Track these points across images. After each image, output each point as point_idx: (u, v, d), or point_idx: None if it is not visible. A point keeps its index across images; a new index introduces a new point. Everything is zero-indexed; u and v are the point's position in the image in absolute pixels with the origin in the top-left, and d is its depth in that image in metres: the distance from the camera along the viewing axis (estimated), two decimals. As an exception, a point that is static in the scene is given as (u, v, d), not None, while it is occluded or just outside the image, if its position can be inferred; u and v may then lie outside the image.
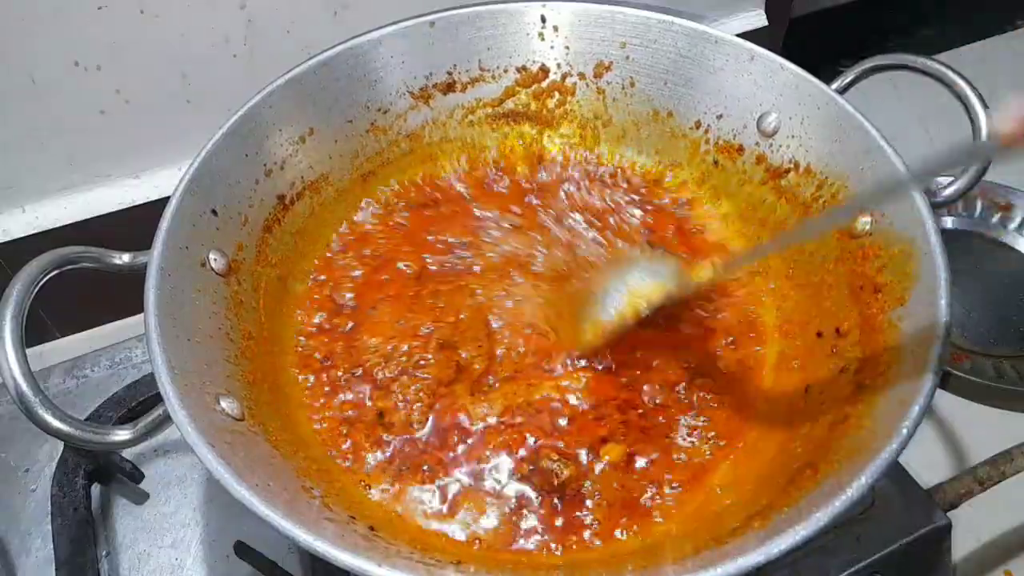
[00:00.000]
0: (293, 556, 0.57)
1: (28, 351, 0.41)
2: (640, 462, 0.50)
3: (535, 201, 0.64)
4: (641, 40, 0.62)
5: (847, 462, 0.41)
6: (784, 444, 0.49)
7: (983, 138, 0.30)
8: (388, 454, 0.50)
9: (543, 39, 0.63)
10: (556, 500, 0.48)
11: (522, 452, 0.50)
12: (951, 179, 0.54)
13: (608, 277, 0.54)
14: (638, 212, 0.64)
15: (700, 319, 0.56)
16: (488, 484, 0.49)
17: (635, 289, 0.50)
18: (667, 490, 0.49)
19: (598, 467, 0.49)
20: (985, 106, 0.52)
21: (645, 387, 0.53)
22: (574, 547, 0.47)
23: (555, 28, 0.63)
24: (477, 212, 0.63)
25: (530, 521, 0.47)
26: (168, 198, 0.49)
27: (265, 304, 0.54)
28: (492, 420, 0.51)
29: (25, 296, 0.42)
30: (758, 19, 0.89)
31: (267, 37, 0.68)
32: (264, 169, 0.56)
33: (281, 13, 0.67)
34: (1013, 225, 0.83)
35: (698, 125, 0.62)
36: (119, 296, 0.56)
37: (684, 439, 0.51)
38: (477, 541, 0.46)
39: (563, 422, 0.51)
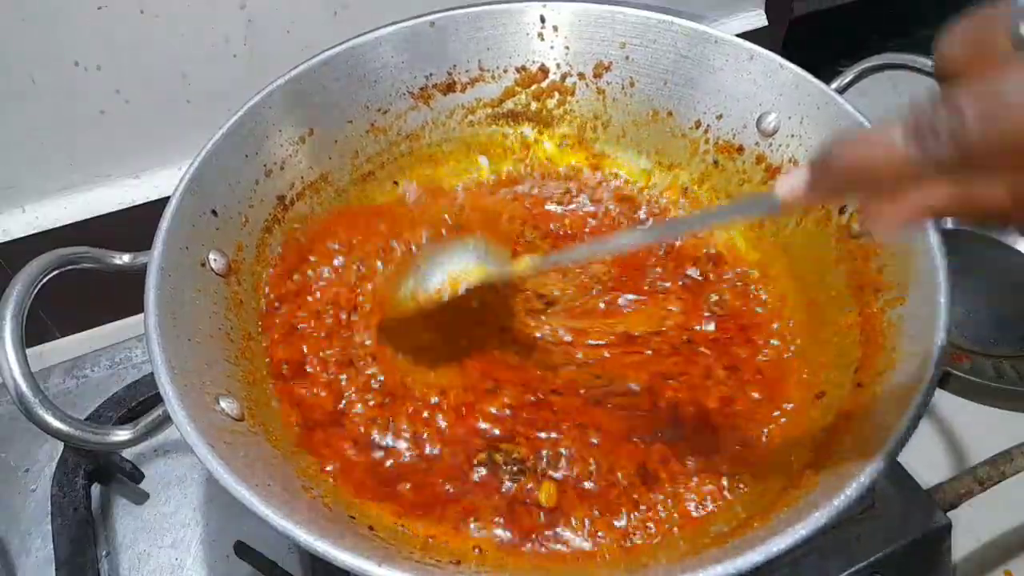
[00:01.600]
0: (293, 556, 0.57)
1: (28, 351, 0.41)
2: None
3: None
4: (641, 40, 0.62)
5: (847, 462, 0.41)
6: (784, 445, 0.49)
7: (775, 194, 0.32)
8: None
9: (543, 39, 0.63)
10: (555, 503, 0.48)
11: (519, 455, 0.50)
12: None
13: (435, 255, 0.54)
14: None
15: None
16: (486, 484, 0.49)
17: (457, 271, 0.51)
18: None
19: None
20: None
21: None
22: (575, 547, 0.47)
23: (555, 28, 0.63)
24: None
25: (531, 521, 0.47)
26: (168, 198, 0.49)
27: (265, 304, 0.54)
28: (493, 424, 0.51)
29: (25, 296, 0.42)
30: (758, 19, 0.90)
31: (267, 37, 0.68)
32: (264, 169, 0.56)
33: (281, 13, 0.67)
34: (1013, 225, 0.83)
35: (698, 125, 0.62)
36: (119, 296, 0.56)
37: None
38: (477, 548, 0.46)
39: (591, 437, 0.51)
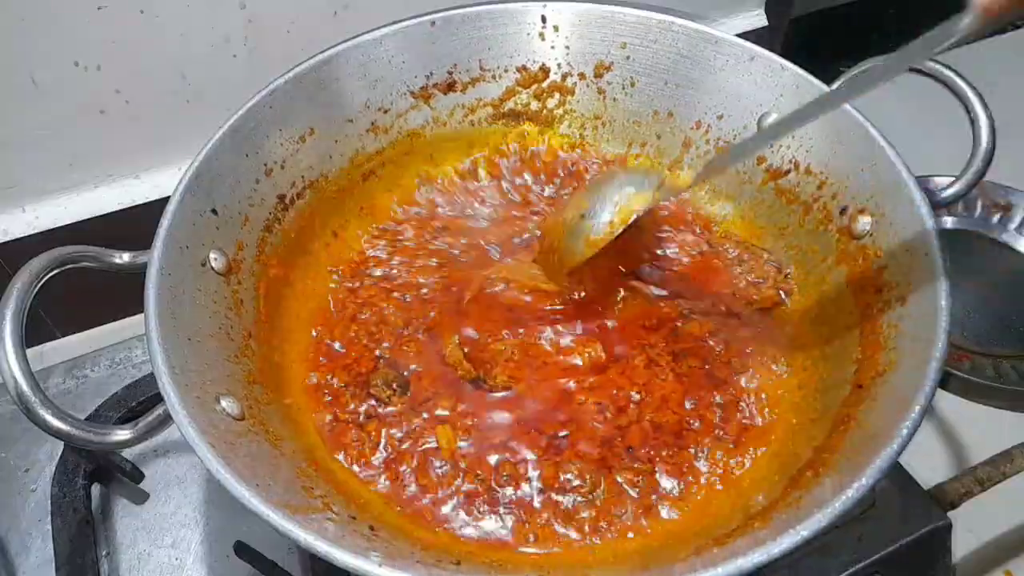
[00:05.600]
0: (293, 556, 0.57)
1: (28, 351, 0.41)
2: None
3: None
4: (641, 40, 0.62)
5: (847, 462, 0.41)
6: (785, 445, 0.49)
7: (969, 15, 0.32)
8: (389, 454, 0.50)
9: (543, 39, 0.63)
10: (558, 499, 0.48)
11: (528, 454, 0.50)
12: (951, 179, 0.54)
13: (592, 195, 0.54)
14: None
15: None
16: (489, 484, 0.49)
17: (621, 202, 0.51)
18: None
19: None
20: (985, 106, 0.52)
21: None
22: (575, 547, 0.47)
23: (555, 28, 0.63)
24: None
25: (531, 521, 0.47)
26: (168, 198, 0.49)
27: (265, 303, 0.54)
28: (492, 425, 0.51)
29: (25, 295, 0.42)
30: (758, 19, 0.90)
31: (267, 37, 0.68)
32: (264, 168, 0.56)
33: (281, 13, 0.67)
34: (1013, 225, 0.83)
35: (698, 125, 0.62)
36: (119, 296, 0.56)
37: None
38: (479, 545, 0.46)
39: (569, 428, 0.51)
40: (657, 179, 0.53)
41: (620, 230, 0.52)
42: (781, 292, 0.57)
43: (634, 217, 0.51)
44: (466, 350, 0.54)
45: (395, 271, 0.60)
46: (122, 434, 0.42)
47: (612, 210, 0.52)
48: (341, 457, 0.50)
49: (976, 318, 0.77)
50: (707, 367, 0.54)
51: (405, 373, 0.54)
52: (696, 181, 0.52)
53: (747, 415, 0.52)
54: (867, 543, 0.54)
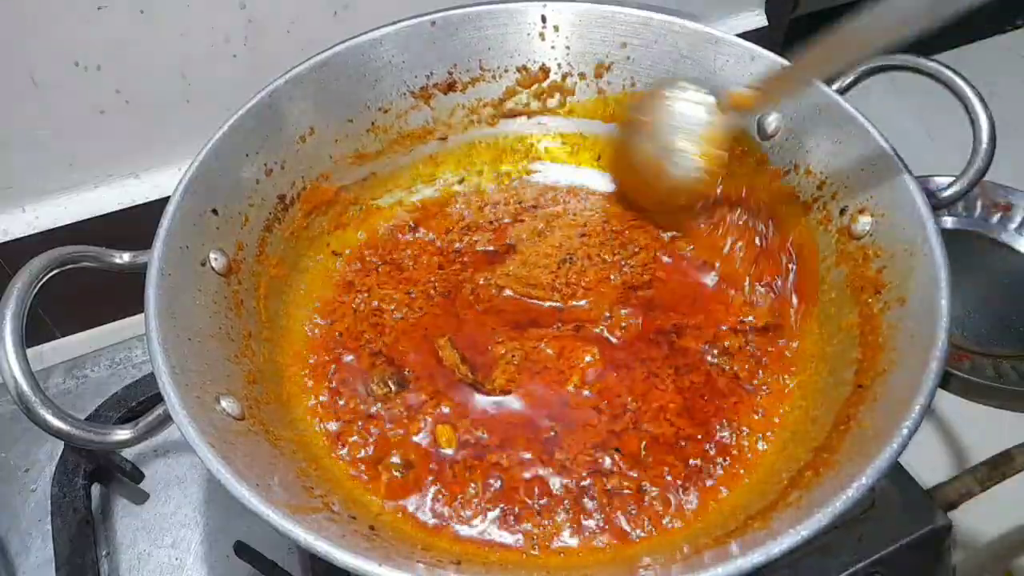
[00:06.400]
0: (293, 556, 0.57)
1: (28, 351, 0.41)
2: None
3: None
4: (641, 40, 0.62)
5: (847, 463, 0.41)
6: (785, 446, 0.49)
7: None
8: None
9: (544, 39, 0.63)
10: (559, 500, 0.48)
11: (525, 455, 0.50)
12: (951, 179, 0.54)
13: (666, 131, 0.53)
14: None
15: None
16: (489, 483, 0.49)
17: (704, 135, 0.50)
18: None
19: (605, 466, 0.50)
20: (985, 106, 0.52)
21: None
22: (575, 547, 0.47)
23: (556, 28, 0.63)
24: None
25: (531, 521, 0.47)
26: (168, 198, 0.49)
27: (265, 303, 0.54)
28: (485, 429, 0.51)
29: (26, 295, 0.42)
30: (758, 19, 0.89)
31: (267, 37, 0.68)
32: (264, 169, 0.56)
33: (281, 13, 0.67)
34: (1013, 225, 0.83)
35: (698, 125, 0.62)
36: (119, 296, 0.56)
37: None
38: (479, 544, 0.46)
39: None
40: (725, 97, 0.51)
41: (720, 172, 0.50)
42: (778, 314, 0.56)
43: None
44: (464, 353, 0.54)
45: (395, 271, 0.60)
46: (122, 434, 0.42)
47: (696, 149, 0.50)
48: (340, 456, 0.50)
49: (976, 318, 0.77)
50: (708, 380, 0.54)
51: (405, 372, 0.54)
52: (761, 101, 0.51)
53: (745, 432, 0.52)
54: (867, 543, 0.54)
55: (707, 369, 0.54)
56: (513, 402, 0.52)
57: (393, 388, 0.53)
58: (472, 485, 0.49)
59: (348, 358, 0.55)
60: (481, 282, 0.59)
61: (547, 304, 0.57)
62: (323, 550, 0.36)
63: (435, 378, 0.54)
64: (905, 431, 0.39)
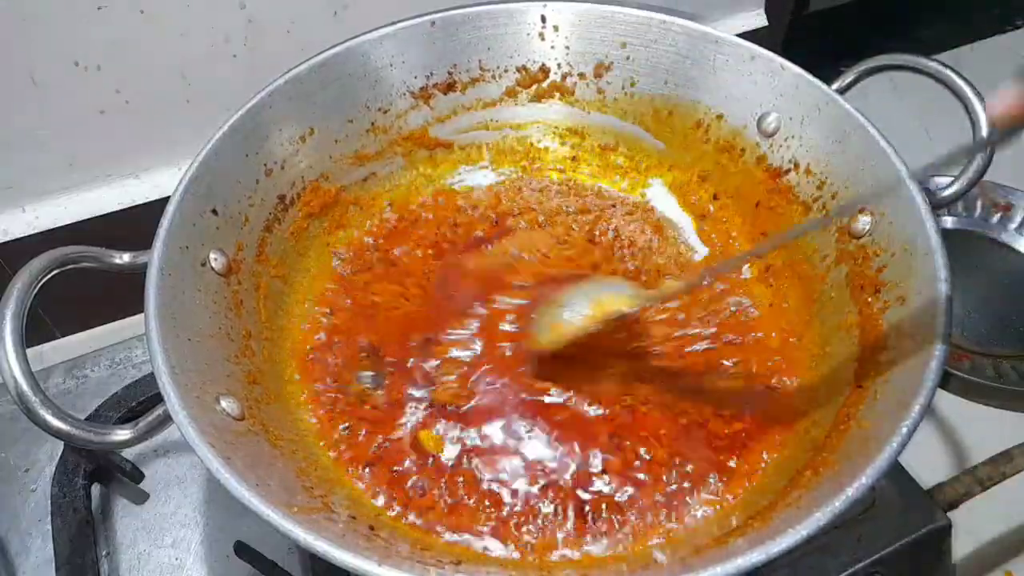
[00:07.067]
0: (293, 556, 0.57)
1: (28, 351, 0.41)
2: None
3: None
4: (641, 40, 0.62)
5: (847, 462, 0.41)
6: (785, 445, 0.49)
7: (982, 130, 0.31)
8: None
9: (543, 39, 0.63)
10: (560, 502, 0.48)
11: (526, 458, 0.50)
12: (951, 179, 0.54)
13: (573, 290, 0.54)
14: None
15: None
16: (486, 487, 0.49)
17: (600, 299, 0.51)
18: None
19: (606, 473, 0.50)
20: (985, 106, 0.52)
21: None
22: (575, 547, 0.47)
23: (555, 28, 0.63)
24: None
25: (531, 521, 0.47)
26: (168, 198, 0.49)
27: (265, 303, 0.54)
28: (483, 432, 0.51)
29: (26, 295, 0.42)
30: (758, 19, 0.89)
31: (267, 37, 0.68)
32: (264, 169, 0.56)
33: (281, 13, 0.67)
34: (1013, 225, 0.83)
35: (698, 125, 0.62)
36: (119, 296, 0.56)
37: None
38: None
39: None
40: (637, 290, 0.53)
41: (591, 327, 0.50)
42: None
43: (609, 318, 0.50)
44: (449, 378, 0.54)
45: (395, 272, 0.60)
46: (122, 434, 0.42)
47: (588, 306, 0.51)
48: (340, 456, 0.50)
49: (976, 318, 0.77)
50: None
51: (385, 370, 0.54)
52: (674, 294, 0.54)
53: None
54: (867, 543, 0.54)
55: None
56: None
57: (374, 387, 0.53)
58: (465, 492, 0.49)
59: (347, 358, 0.55)
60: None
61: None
62: (323, 550, 0.36)
63: (420, 383, 0.54)
64: (905, 431, 0.39)
